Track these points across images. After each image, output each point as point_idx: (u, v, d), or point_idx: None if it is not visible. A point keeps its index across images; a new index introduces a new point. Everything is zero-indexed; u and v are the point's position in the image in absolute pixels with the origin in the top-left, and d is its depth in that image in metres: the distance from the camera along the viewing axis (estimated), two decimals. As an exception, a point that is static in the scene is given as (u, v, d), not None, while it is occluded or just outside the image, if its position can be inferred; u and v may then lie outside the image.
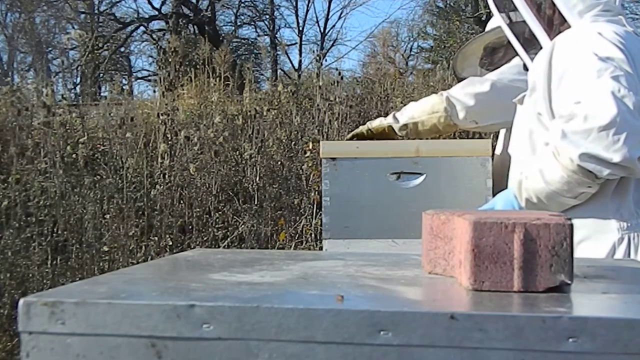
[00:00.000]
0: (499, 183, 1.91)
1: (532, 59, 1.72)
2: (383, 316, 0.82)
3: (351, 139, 2.26)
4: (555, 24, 1.70)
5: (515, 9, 1.75)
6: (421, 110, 2.17)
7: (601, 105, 1.42)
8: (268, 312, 0.84)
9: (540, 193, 1.56)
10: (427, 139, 2.18)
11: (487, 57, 2.25)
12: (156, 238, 4.00)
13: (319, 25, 19.73)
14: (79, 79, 13.75)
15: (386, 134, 2.20)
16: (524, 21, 1.74)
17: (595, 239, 1.60)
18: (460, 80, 2.25)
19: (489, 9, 1.92)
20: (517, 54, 1.83)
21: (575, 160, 1.46)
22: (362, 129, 2.23)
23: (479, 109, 2.08)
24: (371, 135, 2.21)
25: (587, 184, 1.51)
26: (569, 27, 1.68)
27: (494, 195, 1.88)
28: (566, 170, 1.49)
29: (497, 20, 1.86)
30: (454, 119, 2.12)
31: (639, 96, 1.45)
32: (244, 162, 4.59)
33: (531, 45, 1.74)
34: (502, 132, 2.12)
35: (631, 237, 1.61)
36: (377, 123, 2.21)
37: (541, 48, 1.70)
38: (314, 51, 12.87)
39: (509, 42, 1.82)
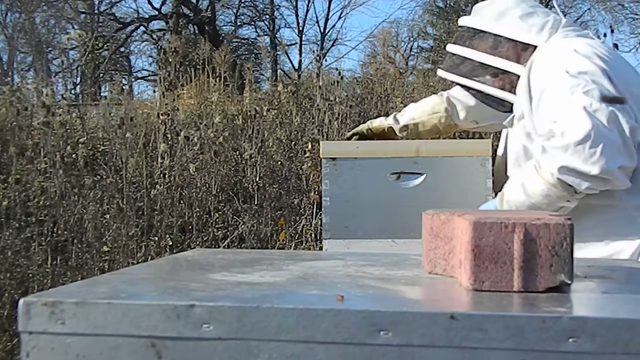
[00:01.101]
0: (500, 184, 1.91)
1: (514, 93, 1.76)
2: (383, 316, 0.82)
3: (351, 137, 2.26)
4: (522, 52, 1.75)
5: (482, 64, 1.79)
6: (421, 111, 2.18)
7: (575, 121, 1.46)
8: (268, 312, 0.84)
9: (520, 206, 1.59)
10: (427, 139, 2.19)
11: None
12: (156, 238, 4.00)
13: (319, 25, 19.73)
14: (79, 79, 13.75)
15: (386, 135, 2.20)
16: (483, 69, 1.79)
17: (620, 242, 1.61)
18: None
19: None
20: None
21: (555, 174, 1.49)
22: (363, 127, 2.23)
23: (479, 109, 2.09)
24: (371, 135, 2.21)
25: (566, 198, 1.53)
26: (534, 47, 1.73)
27: (495, 196, 1.89)
28: (547, 184, 1.51)
29: (456, 80, 1.87)
30: (455, 119, 2.13)
31: (623, 104, 1.49)
32: (244, 162, 4.59)
33: (506, 82, 1.78)
34: (504, 132, 2.12)
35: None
36: (377, 123, 2.21)
37: (518, 77, 1.73)
38: (314, 51, 12.88)
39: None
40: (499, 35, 1.76)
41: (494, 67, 1.78)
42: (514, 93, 1.76)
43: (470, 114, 2.11)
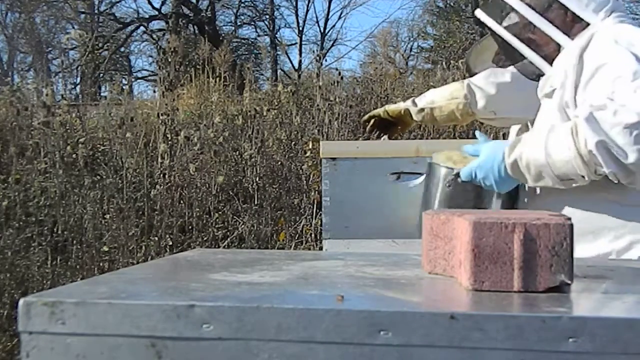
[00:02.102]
0: None
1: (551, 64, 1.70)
2: (383, 316, 0.82)
3: (368, 120, 2.21)
4: (573, 26, 1.68)
5: (527, 21, 1.72)
6: (441, 95, 2.13)
7: (633, 104, 1.40)
8: (268, 312, 0.84)
9: (534, 161, 1.52)
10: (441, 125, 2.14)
11: (503, 54, 2.23)
12: (156, 238, 4.00)
13: (319, 25, 19.73)
14: (79, 79, 13.74)
15: (402, 117, 2.15)
16: (524, 28, 1.72)
17: (629, 240, 1.58)
18: (472, 75, 2.23)
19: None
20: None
21: (590, 145, 1.42)
22: (379, 110, 2.17)
23: (499, 99, 2.04)
24: (387, 117, 2.16)
25: (584, 174, 1.47)
26: (587, 24, 1.66)
27: (497, 197, 1.86)
28: (575, 151, 1.45)
29: (512, 42, 1.78)
30: (473, 107, 2.07)
31: None
32: (244, 162, 4.59)
33: (543, 50, 1.71)
34: (513, 130, 2.09)
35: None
36: (394, 106, 2.15)
37: (559, 51, 1.68)
38: (314, 51, 12.88)
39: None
40: (556, 0, 1.68)
41: (540, 30, 1.70)
42: (550, 63, 1.70)
43: (489, 103, 2.06)
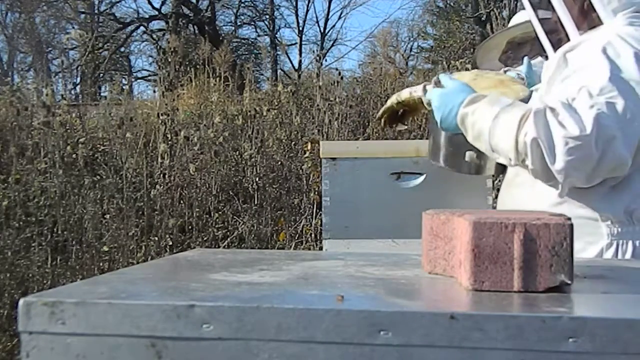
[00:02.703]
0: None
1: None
2: (383, 316, 0.82)
3: (382, 115, 2.16)
4: (587, 18, 1.67)
5: (548, 2, 1.72)
6: None
7: (582, 120, 1.45)
8: (268, 312, 0.84)
9: (480, 123, 1.57)
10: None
11: (512, 52, 2.22)
12: (156, 238, 4.01)
13: (319, 25, 19.74)
14: (79, 79, 13.75)
15: (414, 106, 2.11)
16: (550, 18, 1.71)
17: (584, 241, 1.59)
18: None
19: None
20: (542, 50, 1.80)
21: (527, 138, 1.47)
22: (392, 101, 2.09)
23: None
24: (401, 108, 2.09)
25: (510, 157, 1.52)
26: (601, 23, 1.65)
27: (495, 197, 1.87)
28: (514, 135, 1.50)
29: (528, 14, 1.80)
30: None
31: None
32: (244, 162, 4.59)
33: (558, 40, 1.71)
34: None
35: (620, 244, 1.61)
36: (406, 94, 2.06)
37: (568, 42, 1.68)
38: (314, 51, 12.90)
39: (535, 37, 1.79)
40: None
41: (557, 15, 1.70)
42: (555, 49, 1.71)
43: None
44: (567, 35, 1.69)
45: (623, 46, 1.57)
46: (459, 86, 1.69)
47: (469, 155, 1.76)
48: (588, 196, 1.59)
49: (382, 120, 2.14)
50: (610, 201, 1.61)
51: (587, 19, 1.67)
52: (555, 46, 1.72)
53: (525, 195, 1.68)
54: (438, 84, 1.72)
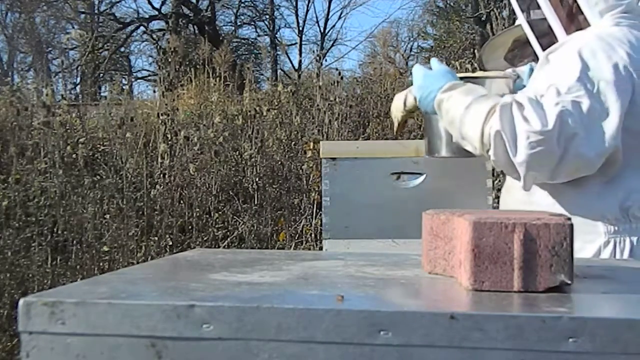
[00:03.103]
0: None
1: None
2: (383, 316, 0.82)
3: (398, 130, 2.11)
4: (575, 20, 1.69)
5: (536, 4, 1.74)
6: None
7: (545, 116, 1.49)
8: (268, 312, 0.84)
9: (454, 110, 1.63)
10: None
11: (519, 50, 2.22)
12: (156, 238, 4.01)
13: (319, 25, 19.74)
14: (79, 79, 13.75)
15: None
16: (543, 18, 1.74)
17: (582, 240, 1.59)
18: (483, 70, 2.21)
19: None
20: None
21: (491, 129, 1.52)
22: (401, 113, 2.06)
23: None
24: (410, 115, 2.08)
25: (476, 146, 1.58)
26: (588, 25, 1.67)
27: (495, 198, 1.88)
28: (481, 126, 1.54)
29: (518, 17, 1.83)
30: None
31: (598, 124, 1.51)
32: (244, 162, 4.59)
33: (549, 43, 1.73)
34: None
35: (617, 242, 1.62)
36: (412, 101, 2.03)
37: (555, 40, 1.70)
38: (314, 51, 12.90)
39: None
40: None
41: (544, 16, 1.74)
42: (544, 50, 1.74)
43: None
44: (556, 37, 1.72)
45: (600, 46, 1.59)
46: (444, 71, 1.74)
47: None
48: (582, 195, 1.61)
49: (397, 131, 2.15)
50: (604, 199, 1.62)
51: (575, 21, 1.69)
52: (545, 48, 1.74)
53: (524, 196, 1.68)
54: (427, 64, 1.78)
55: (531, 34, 1.78)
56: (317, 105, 5.00)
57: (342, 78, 5.90)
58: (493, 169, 2.01)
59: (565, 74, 1.56)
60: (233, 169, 4.59)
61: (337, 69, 7.65)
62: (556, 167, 1.51)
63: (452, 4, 17.96)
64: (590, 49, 1.59)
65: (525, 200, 1.68)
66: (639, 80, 1.56)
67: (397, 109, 2.07)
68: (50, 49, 16.13)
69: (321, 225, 2.11)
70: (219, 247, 4.10)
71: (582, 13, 1.68)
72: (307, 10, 19.24)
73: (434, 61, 1.78)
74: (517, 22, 2.13)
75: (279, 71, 16.39)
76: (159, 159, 4.36)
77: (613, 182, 1.60)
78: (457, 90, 1.65)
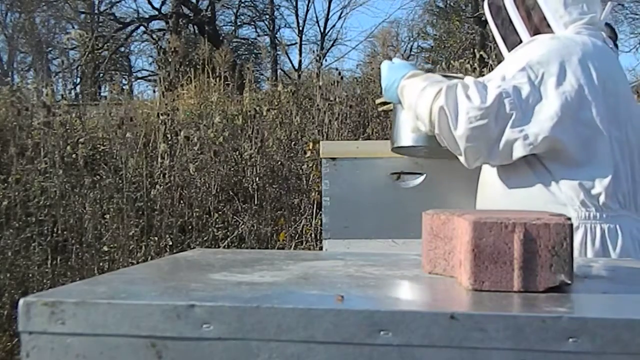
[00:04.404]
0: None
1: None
2: (383, 316, 0.82)
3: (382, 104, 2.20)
4: (540, 27, 1.81)
5: (508, 18, 1.87)
6: None
7: (486, 95, 1.62)
8: (268, 312, 0.84)
9: (411, 94, 1.76)
10: None
11: None
12: (156, 238, 4.00)
13: (319, 25, 19.72)
14: (79, 79, 13.73)
15: None
16: (515, 30, 1.86)
17: None
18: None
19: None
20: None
21: (436, 106, 1.66)
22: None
23: None
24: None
25: (425, 123, 1.72)
26: (552, 32, 1.79)
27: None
28: (430, 104, 1.68)
29: (490, 26, 1.96)
30: None
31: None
32: (244, 162, 4.59)
33: (513, 42, 1.86)
34: None
35: (588, 227, 1.67)
36: None
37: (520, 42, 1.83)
38: (314, 51, 12.87)
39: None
40: (537, 4, 1.82)
41: (512, 25, 1.85)
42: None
43: None
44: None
45: (554, 44, 1.72)
46: (406, 64, 1.91)
47: (412, 127, 1.88)
48: (553, 185, 1.69)
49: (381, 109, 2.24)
50: (571, 186, 1.68)
51: (542, 31, 1.81)
52: (509, 48, 1.89)
53: (496, 194, 1.78)
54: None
55: (500, 39, 1.90)
56: (317, 105, 5.00)
57: (342, 78, 5.90)
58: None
59: (514, 65, 1.69)
60: (233, 169, 4.59)
61: (337, 69, 7.65)
62: (494, 143, 1.64)
63: (452, 4, 17.96)
64: (543, 45, 1.72)
65: (500, 198, 1.77)
66: (588, 78, 1.66)
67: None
68: (50, 49, 16.12)
69: (321, 225, 2.12)
70: (219, 247, 4.10)
71: (549, 26, 1.80)
72: (307, 10, 19.23)
73: (396, 58, 1.94)
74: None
75: (279, 71, 16.38)
76: (159, 159, 4.35)
77: (579, 170, 1.67)
78: (418, 77, 1.79)
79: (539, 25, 1.81)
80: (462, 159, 1.70)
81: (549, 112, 1.62)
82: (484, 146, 1.64)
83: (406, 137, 1.90)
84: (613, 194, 1.67)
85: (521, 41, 1.82)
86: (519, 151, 1.65)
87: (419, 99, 1.72)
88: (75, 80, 13.13)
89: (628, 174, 1.70)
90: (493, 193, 1.81)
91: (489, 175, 1.84)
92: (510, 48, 1.85)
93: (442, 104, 1.64)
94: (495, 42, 1.92)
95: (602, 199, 1.66)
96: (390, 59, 1.94)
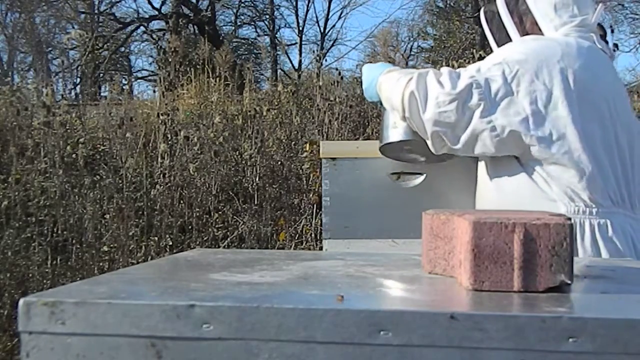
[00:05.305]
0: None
1: None
2: (383, 316, 0.82)
3: None
4: (532, 31, 1.83)
5: (499, 17, 1.89)
6: None
7: (457, 82, 1.66)
8: (268, 312, 0.84)
9: (387, 87, 1.80)
10: None
11: None
12: (156, 238, 4.00)
13: (319, 25, 19.74)
14: (79, 79, 13.74)
15: None
16: (507, 34, 1.88)
17: None
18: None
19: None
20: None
21: (407, 91, 1.69)
22: None
23: None
24: None
25: (398, 109, 1.75)
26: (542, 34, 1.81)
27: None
28: (402, 90, 1.71)
29: (484, 30, 1.98)
30: None
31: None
32: (244, 162, 4.59)
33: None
34: None
35: (577, 222, 1.67)
36: None
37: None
38: (314, 51, 12.87)
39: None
40: (529, 8, 1.84)
41: (506, 29, 1.87)
42: None
43: None
44: None
45: (536, 44, 1.75)
46: (383, 63, 1.96)
47: (392, 123, 1.90)
48: (541, 181, 1.70)
49: None
50: (558, 184, 1.69)
51: (531, 29, 1.83)
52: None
53: (488, 191, 1.80)
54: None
55: (494, 44, 1.92)
56: (317, 105, 5.00)
57: (342, 78, 5.90)
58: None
59: (491, 59, 1.72)
60: (233, 169, 4.58)
61: (337, 69, 7.65)
62: (460, 132, 1.66)
63: (452, 4, 17.97)
64: (525, 44, 1.75)
65: (493, 197, 1.79)
66: (563, 79, 1.67)
67: None
68: (50, 49, 16.13)
69: (321, 225, 2.12)
70: (219, 247, 4.10)
71: (541, 30, 1.81)
72: (307, 10, 19.25)
73: (379, 62, 2.00)
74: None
75: (279, 71, 16.39)
76: (159, 159, 4.35)
77: (560, 167, 1.67)
78: (394, 72, 1.83)
79: (531, 30, 1.82)
80: (429, 143, 1.73)
81: (517, 108, 1.64)
82: (450, 132, 1.67)
83: (386, 134, 1.91)
84: (601, 191, 1.67)
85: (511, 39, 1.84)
86: (485, 142, 1.67)
87: (393, 89, 1.75)
88: (75, 80, 13.14)
89: (618, 172, 1.70)
90: (485, 190, 1.83)
91: (481, 173, 1.86)
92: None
93: (413, 88, 1.68)
94: (491, 49, 1.93)
95: (586, 195, 1.67)
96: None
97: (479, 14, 2.02)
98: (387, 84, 1.80)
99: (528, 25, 1.83)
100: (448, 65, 6.26)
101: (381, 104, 1.90)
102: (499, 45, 1.88)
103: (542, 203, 1.67)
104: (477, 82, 1.65)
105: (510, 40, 1.85)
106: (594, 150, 1.67)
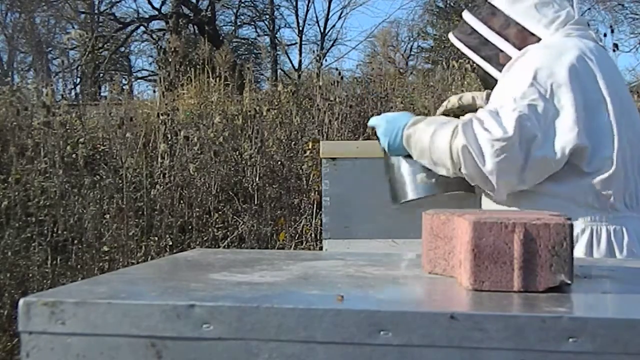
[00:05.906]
0: None
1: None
2: (383, 316, 0.82)
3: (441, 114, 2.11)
4: (527, 40, 1.78)
5: (485, 38, 1.83)
6: None
7: (504, 123, 1.57)
8: (268, 312, 0.84)
9: (421, 141, 1.69)
10: None
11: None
12: (156, 238, 4.00)
13: (319, 25, 19.72)
14: (79, 79, 13.75)
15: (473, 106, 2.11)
16: (497, 49, 1.81)
17: None
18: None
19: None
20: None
21: (458, 146, 1.60)
22: (453, 104, 2.06)
23: None
24: (460, 112, 2.05)
25: (448, 167, 1.65)
26: (538, 39, 1.77)
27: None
28: (448, 146, 1.62)
29: (469, 55, 1.91)
30: None
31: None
32: (243, 162, 4.59)
33: (496, 61, 1.82)
34: None
35: (594, 229, 1.66)
36: (469, 99, 2.06)
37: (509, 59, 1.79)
38: (314, 51, 12.88)
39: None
40: (510, 18, 1.79)
41: (495, 46, 1.81)
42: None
43: None
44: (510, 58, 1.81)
45: (550, 53, 1.69)
46: (402, 113, 1.82)
47: (419, 177, 1.80)
48: (559, 185, 1.66)
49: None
50: (581, 191, 1.66)
51: (527, 40, 1.78)
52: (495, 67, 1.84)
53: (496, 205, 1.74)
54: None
55: (488, 65, 1.85)
56: (317, 105, 5.00)
57: (342, 78, 5.91)
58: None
59: (518, 83, 1.65)
60: (233, 169, 4.59)
61: (337, 69, 7.66)
62: (522, 170, 1.59)
63: (452, 4, 17.95)
64: (540, 57, 1.69)
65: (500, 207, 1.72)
66: (593, 83, 1.65)
67: (454, 99, 2.10)
68: (50, 49, 16.13)
69: (321, 225, 2.12)
70: (219, 247, 4.10)
71: (532, 33, 1.78)
72: (307, 10, 19.23)
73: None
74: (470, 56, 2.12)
75: (279, 71, 16.39)
76: (159, 159, 4.36)
77: (591, 173, 1.65)
78: (421, 123, 1.72)
79: (521, 36, 1.78)
80: (492, 193, 1.65)
81: (568, 123, 1.59)
82: (515, 176, 1.60)
83: (413, 189, 1.83)
84: (622, 195, 1.66)
85: (510, 57, 1.78)
86: (548, 170, 1.62)
87: (432, 144, 1.66)
88: (75, 80, 13.14)
89: (636, 174, 1.69)
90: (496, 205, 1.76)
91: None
92: (499, 68, 1.81)
93: (464, 142, 1.58)
94: (483, 71, 1.86)
95: (611, 200, 1.65)
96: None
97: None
98: (419, 138, 1.70)
99: (515, 33, 1.78)
100: (448, 65, 6.24)
101: (407, 156, 1.79)
102: (490, 63, 1.83)
103: (558, 210, 1.63)
104: (523, 115, 1.58)
105: (502, 52, 1.79)
106: (624, 154, 1.65)
